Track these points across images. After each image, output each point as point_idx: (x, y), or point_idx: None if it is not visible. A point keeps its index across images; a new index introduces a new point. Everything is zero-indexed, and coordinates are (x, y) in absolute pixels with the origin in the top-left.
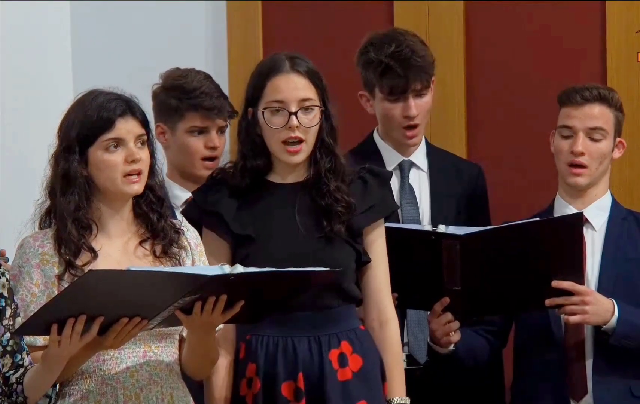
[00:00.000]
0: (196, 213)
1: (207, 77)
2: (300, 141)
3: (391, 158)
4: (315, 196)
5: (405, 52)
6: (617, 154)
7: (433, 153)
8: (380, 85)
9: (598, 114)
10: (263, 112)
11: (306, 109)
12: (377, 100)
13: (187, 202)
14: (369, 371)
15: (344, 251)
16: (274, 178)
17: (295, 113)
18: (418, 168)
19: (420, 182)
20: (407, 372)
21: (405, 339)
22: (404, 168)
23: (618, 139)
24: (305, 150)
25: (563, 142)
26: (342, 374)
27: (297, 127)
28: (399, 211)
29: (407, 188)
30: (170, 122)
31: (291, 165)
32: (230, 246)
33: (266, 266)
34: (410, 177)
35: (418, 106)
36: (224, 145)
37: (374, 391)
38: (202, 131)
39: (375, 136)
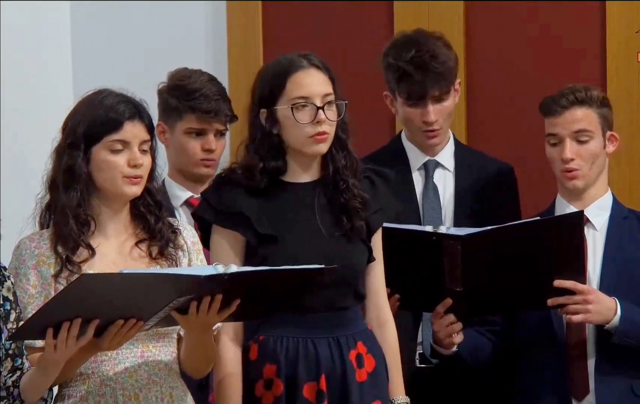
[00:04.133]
0: (211, 213)
1: (212, 79)
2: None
3: (417, 158)
4: (333, 193)
5: (424, 58)
6: (611, 148)
7: (461, 152)
8: (399, 90)
9: (580, 117)
10: (291, 109)
11: (329, 104)
12: (398, 104)
13: (187, 202)
14: (379, 371)
15: (362, 250)
16: (289, 178)
17: (322, 108)
18: (444, 168)
19: (445, 181)
20: (419, 370)
21: (420, 339)
22: (429, 168)
23: (609, 133)
24: (329, 141)
25: (552, 150)
26: (359, 375)
27: (324, 121)
28: (420, 210)
29: (430, 188)
30: (170, 121)
31: (312, 158)
32: (251, 246)
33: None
34: (435, 176)
35: (437, 111)
36: (223, 148)
37: (384, 391)
38: (199, 133)
39: (403, 137)
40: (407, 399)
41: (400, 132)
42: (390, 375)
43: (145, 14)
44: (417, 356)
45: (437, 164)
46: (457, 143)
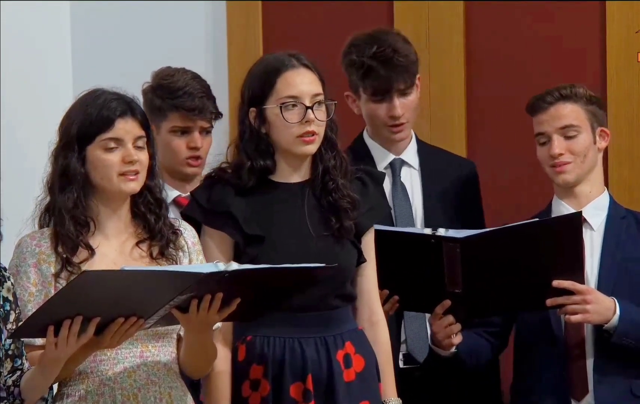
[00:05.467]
0: (200, 213)
1: (195, 77)
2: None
3: (382, 157)
4: (322, 194)
5: (387, 53)
6: (602, 144)
7: (424, 150)
8: (364, 86)
9: (565, 113)
10: (280, 108)
11: (319, 104)
12: (362, 101)
13: (175, 201)
14: (369, 371)
15: (350, 251)
16: (278, 178)
17: (311, 108)
18: (409, 166)
19: (412, 180)
20: (405, 371)
21: (403, 338)
22: (395, 167)
23: (600, 129)
24: (318, 141)
25: (542, 149)
26: (347, 375)
27: (312, 121)
28: (392, 210)
29: (399, 187)
30: (155, 121)
31: (301, 159)
32: (239, 246)
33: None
34: (402, 175)
35: (403, 105)
36: (209, 146)
37: (374, 391)
38: (184, 131)
39: (365, 136)
40: (399, 401)
41: (362, 132)
42: (382, 376)
43: (145, 14)
44: (400, 357)
45: (403, 162)
46: (419, 141)
